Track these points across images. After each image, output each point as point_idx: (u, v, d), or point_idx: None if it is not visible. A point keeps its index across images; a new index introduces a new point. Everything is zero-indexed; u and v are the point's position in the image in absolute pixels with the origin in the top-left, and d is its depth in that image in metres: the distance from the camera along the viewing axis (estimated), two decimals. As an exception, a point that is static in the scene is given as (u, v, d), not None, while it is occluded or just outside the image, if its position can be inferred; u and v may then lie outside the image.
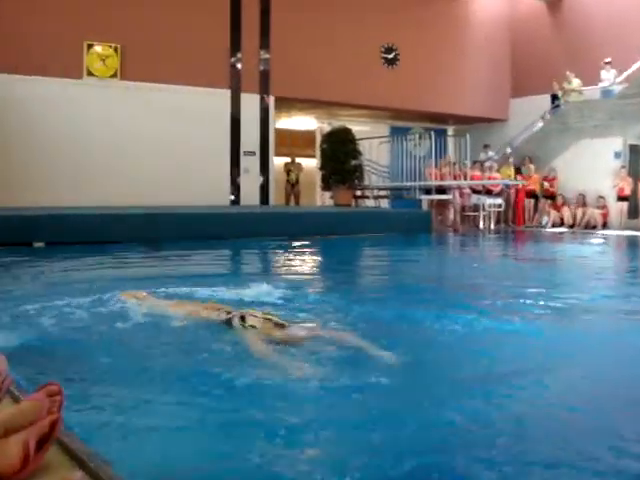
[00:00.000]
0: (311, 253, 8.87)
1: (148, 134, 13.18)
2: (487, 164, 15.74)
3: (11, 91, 11.82)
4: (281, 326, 3.07)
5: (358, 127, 16.37)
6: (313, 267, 7.22)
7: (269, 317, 3.14)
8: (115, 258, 7.38)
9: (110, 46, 12.81)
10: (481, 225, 14.44)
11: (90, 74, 12.71)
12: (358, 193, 15.65)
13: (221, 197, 14.09)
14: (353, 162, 14.85)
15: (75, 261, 7.03)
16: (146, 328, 3.29)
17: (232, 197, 14.37)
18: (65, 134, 12.45)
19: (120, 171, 12.92)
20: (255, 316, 3.16)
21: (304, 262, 7.57)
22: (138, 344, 3.04)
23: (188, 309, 3.44)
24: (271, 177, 14.88)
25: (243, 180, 14.44)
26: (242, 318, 3.15)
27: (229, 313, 3.28)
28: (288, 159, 17.72)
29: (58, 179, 12.35)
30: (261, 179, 14.70)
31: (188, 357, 2.81)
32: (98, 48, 12.78)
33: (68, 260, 7.08)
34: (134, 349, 2.97)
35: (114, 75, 12.90)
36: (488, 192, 14.82)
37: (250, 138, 14.35)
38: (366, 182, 15.43)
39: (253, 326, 3.07)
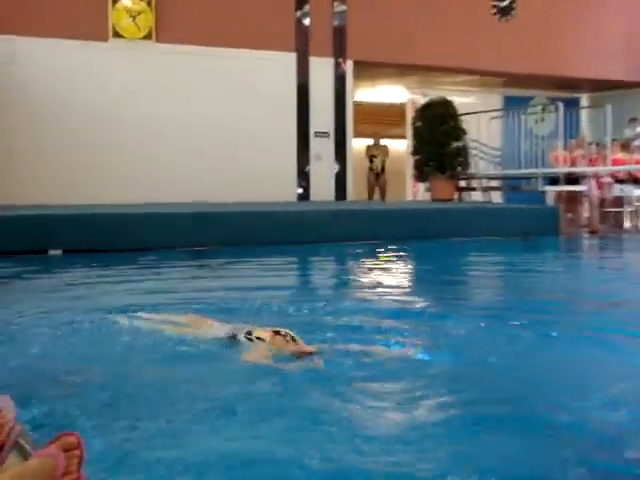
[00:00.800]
0: (403, 262, 9.06)
1: (191, 112, 13.37)
2: (635, 143, 15.31)
3: (12, 55, 11.97)
4: (293, 340, 3.42)
5: (462, 99, 16.42)
6: (408, 282, 7.34)
7: (280, 331, 3.49)
8: (152, 268, 7.63)
9: (143, -1, 12.95)
10: (627, 224, 14.30)
11: (117, 35, 12.84)
12: (462, 184, 15.56)
13: (286, 191, 14.26)
14: (455, 144, 14.70)
15: (98, 271, 7.28)
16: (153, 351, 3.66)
17: (300, 190, 14.61)
18: (84, 112, 12.61)
19: (155, 159, 13.10)
20: (264, 331, 3.55)
21: (395, 274, 7.72)
22: (157, 372, 3.40)
23: (192, 326, 3.85)
24: (349, 165, 15.03)
25: (314, 169, 14.64)
26: (249, 332, 3.57)
27: (235, 329, 3.69)
28: (371, 141, 17.88)
29: (76, 169, 12.55)
30: (336, 167, 14.92)
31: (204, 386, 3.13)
32: (127, 2, 12.89)
33: (89, 270, 7.38)
34: (151, 376, 3.34)
35: (148, 36, 13.03)
36: (636, 181, 14.44)
37: (322, 115, 14.53)
38: (472, 170, 15.24)
39: (260, 338, 3.46)
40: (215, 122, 13.53)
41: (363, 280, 7.06)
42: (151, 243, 9.17)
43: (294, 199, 14.47)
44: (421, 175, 15.21)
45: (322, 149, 14.68)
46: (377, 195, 17.69)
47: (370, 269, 7.99)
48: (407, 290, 6.57)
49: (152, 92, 13.04)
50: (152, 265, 7.85)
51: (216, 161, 13.44)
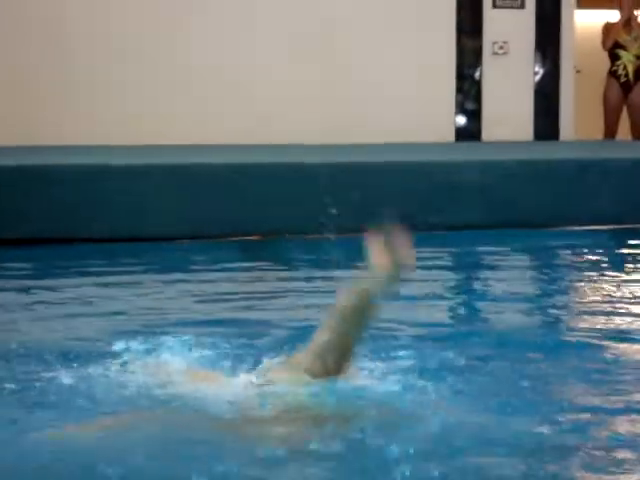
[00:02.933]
0: None
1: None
2: None
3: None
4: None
5: None
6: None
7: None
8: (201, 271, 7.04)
9: None
10: None
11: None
12: None
13: (430, 122, 11.28)
14: None
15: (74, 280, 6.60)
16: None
17: (461, 121, 11.61)
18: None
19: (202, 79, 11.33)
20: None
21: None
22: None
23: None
24: (565, 66, 11.66)
25: (490, 75, 11.49)
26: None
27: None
28: (616, 16, 12.84)
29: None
30: (539, 72, 11.72)
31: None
32: None
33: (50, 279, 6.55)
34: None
35: None
36: None
37: None
38: None
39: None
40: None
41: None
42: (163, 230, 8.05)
43: (451, 137, 11.51)
44: None
45: (506, 32, 11.43)
46: (622, 127, 13.05)
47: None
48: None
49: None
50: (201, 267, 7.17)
51: (301, 77, 11.32)
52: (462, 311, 5.87)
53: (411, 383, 3.36)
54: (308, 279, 6.90)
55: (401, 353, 3.92)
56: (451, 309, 6.08)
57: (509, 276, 7.29)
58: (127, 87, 10.94)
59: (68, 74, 10.74)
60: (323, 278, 6.68)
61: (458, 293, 6.62)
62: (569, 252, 8.23)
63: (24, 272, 7.00)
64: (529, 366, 3.83)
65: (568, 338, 4.67)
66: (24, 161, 8.58)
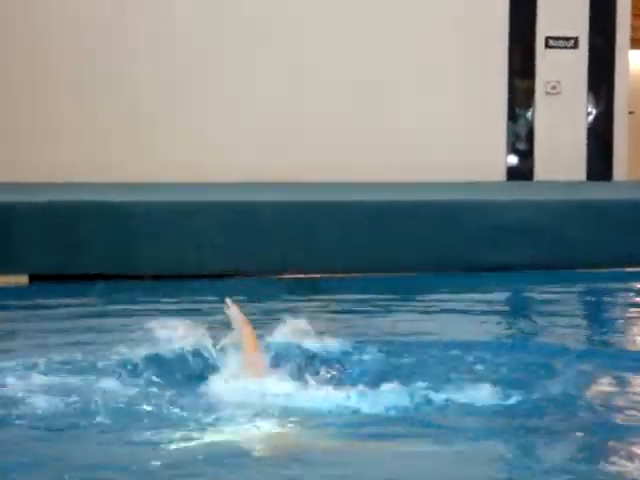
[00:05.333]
0: None
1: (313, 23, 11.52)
2: None
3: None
4: None
5: None
6: None
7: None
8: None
9: None
10: None
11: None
12: None
13: (482, 162, 11.37)
14: None
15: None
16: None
17: (513, 160, 11.70)
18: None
19: (238, 109, 11.40)
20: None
21: None
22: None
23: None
24: (619, 105, 11.73)
25: (542, 115, 11.55)
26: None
27: None
28: None
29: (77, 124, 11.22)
30: (591, 111, 11.76)
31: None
32: None
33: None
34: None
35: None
36: None
37: (562, 7, 11.47)
38: None
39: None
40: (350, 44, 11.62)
41: None
42: (206, 265, 8.12)
43: (502, 177, 11.58)
44: None
45: (559, 71, 11.45)
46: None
47: None
48: None
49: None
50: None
51: (347, 116, 11.41)
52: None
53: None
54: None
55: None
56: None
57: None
58: (190, 133, 11.12)
59: (134, 120, 11.02)
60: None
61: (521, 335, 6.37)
62: (624, 293, 8.05)
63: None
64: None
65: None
66: (100, 197, 8.66)
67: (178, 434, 3.46)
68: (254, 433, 3.55)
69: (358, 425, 3.59)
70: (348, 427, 3.58)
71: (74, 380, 4.13)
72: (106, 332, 5.79)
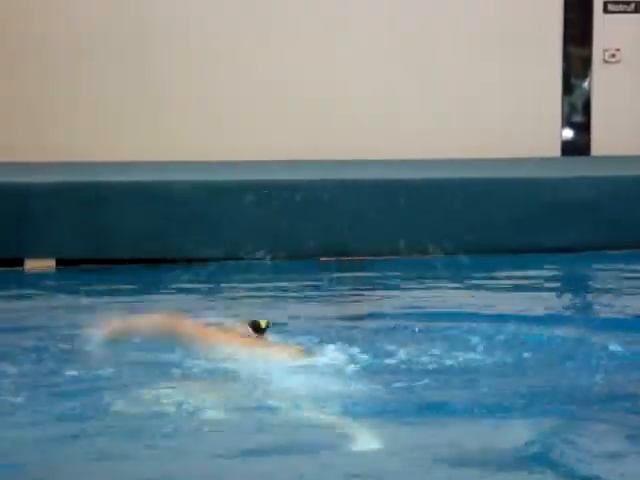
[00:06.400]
0: None
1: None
2: None
3: None
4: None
5: None
6: None
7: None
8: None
9: None
10: None
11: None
12: None
13: (537, 136, 11.09)
14: None
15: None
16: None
17: (568, 134, 11.39)
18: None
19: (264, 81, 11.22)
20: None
21: None
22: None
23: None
24: None
25: (600, 85, 11.30)
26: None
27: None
28: None
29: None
30: None
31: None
32: None
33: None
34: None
35: None
36: None
37: None
38: None
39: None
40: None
41: None
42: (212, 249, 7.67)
43: (557, 152, 11.19)
44: None
45: (618, 38, 11.13)
46: None
47: None
48: None
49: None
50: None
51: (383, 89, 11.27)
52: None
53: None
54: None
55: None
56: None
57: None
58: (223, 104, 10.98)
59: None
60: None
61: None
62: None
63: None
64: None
65: None
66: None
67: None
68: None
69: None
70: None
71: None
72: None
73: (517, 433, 3.35)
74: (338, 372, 4.15)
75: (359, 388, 3.98)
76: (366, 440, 3.43)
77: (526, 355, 4.43)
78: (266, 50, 11.11)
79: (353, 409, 3.70)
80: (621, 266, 8.19)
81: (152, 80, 11.11)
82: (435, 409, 3.74)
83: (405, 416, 3.67)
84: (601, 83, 11.18)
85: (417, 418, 3.72)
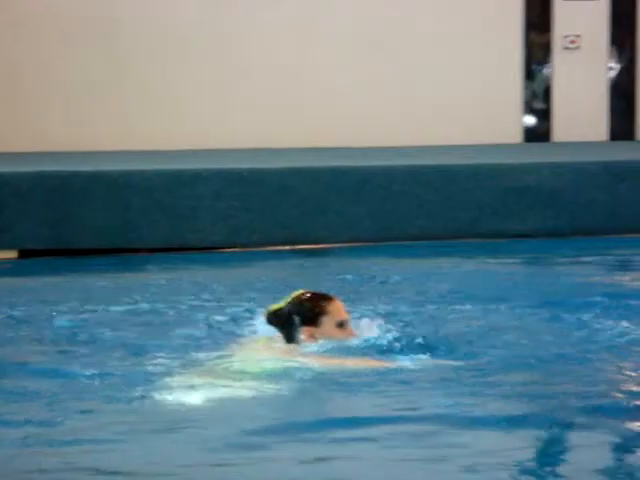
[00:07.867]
0: None
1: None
2: None
3: None
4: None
5: None
6: None
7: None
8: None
9: None
10: None
11: None
12: None
13: (494, 123, 11.32)
14: None
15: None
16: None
17: (529, 121, 11.61)
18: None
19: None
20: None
21: None
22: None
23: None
24: None
25: (560, 71, 11.40)
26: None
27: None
28: None
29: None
30: (614, 66, 11.48)
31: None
32: None
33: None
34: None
35: None
36: None
37: None
38: None
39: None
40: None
41: None
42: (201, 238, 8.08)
43: (519, 139, 11.38)
44: None
45: (578, 25, 11.23)
46: None
47: None
48: None
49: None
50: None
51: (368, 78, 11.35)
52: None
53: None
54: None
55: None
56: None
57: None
58: (188, 100, 11.02)
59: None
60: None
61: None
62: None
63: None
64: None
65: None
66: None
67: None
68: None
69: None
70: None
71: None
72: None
73: None
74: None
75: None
76: None
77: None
78: (240, 35, 11.01)
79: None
80: (578, 252, 8.14)
81: (119, 68, 11.01)
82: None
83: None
84: (561, 70, 11.26)
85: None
